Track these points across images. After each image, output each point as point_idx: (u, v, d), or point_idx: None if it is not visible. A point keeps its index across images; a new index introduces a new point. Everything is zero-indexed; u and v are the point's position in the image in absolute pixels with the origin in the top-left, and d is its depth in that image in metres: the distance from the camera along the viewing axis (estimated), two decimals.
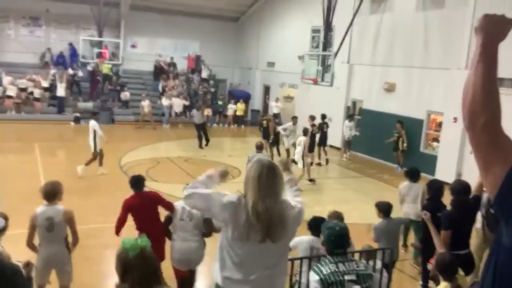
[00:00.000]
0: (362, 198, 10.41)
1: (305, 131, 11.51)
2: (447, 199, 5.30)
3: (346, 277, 3.08)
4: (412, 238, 7.44)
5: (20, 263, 3.45)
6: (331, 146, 15.99)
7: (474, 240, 5.47)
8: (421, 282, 5.75)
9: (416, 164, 8.70)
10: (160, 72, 22.04)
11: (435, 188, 5.74)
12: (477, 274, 5.32)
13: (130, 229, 4.98)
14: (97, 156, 10.95)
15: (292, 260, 4.21)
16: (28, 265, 3.77)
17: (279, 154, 13.50)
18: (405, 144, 13.26)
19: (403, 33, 14.27)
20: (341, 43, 15.27)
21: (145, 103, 18.91)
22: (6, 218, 4.15)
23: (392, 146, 13.58)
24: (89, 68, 20.34)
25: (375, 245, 5.37)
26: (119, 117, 19.42)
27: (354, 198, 10.40)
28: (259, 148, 9.35)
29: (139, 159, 12.87)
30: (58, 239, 4.53)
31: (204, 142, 15.33)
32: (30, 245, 4.53)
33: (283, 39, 20.88)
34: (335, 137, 15.62)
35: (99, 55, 20.51)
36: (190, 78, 22.54)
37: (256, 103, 23.12)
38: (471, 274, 4.95)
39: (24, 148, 13.59)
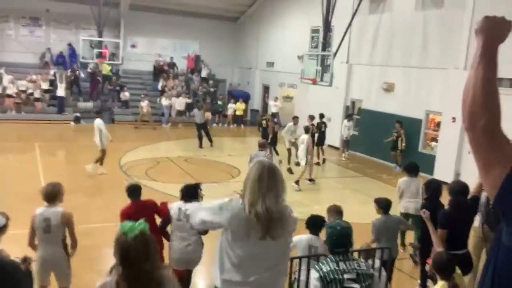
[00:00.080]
0: (361, 197, 10.44)
1: (307, 129, 11.55)
2: (445, 199, 5.33)
3: (346, 276, 3.10)
4: (410, 237, 7.48)
5: (18, 259, 3.49)
6: (330, 146, 16.03)
7: (472, 239, 5.49)
8: (419, 281, 5.78)
9: None
10: (159, 72, 22.06)
11: (433, 187, 5.76)
12: (476, 274, 5.35)
13: None
14: (104, 153, 10.92)
15: (291, 259, 4.24)
16: (25, 260, 3.80)
17: (277, 153, 13.51)
18: (403, 144, 13.30)
19: (402, 33, 14.30)
20: (340, 43, 15.29)
21: (144, 103, 18.94)
22: (7, 218, 4.17)
23: (390, 146, 13.61)
24: (89, 70, 20.35)
25: (373, 244, 5.39)
26: (118, 117, 19.44)
27: (352, 198, 10.42)
28: (262, 146, 9.34)
29: (139, 159, 12.90)
30: (55, 241, 4.52)
31: (204, 142, 15.28)
32: (31, 245, 4.57)
33: (282, 39, 20.90)
34: (334, 137, 15.66)
35: (99, 55, 20.52)
36: (190, 78, 22.56)
37: (256, 103, 23.14)
38: (469, 274, 4.98)
39: (24, 148, 13.61)
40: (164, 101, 19.73)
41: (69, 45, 21.31)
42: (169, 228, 5.14)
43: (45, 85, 19.16)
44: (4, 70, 18.74)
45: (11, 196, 8.16)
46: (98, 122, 10.89)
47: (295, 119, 13.10)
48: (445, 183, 7.07)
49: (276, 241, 2.69)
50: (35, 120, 17.76)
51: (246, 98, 22.19)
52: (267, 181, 2.67)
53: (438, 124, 13.25)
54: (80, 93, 20.13)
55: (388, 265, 4.93)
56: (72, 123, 18.22)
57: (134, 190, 5.19)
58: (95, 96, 20.10)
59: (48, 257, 4.52)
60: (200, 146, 15.13)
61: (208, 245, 5.21)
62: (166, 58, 22.80)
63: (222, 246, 2.76)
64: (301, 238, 4.72)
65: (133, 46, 23.00)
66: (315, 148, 13.60)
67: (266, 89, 22.74)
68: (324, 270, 3.12)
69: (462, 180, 6.49)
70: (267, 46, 22.36)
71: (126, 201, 5.29)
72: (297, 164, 11.97)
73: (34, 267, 4.24)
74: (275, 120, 17.14)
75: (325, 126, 14.60)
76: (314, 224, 4.79)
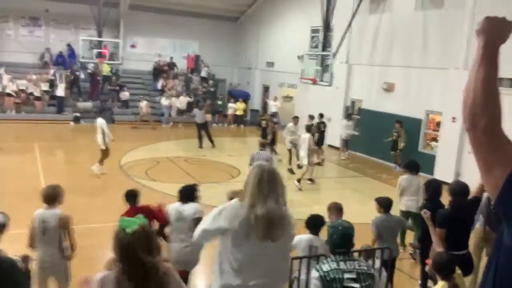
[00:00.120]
0: (361, 197, 10.44)
1: (308, 128, 11.55)
2: (446, 199, 5.32)
3: (346, 275, 3.10)
4: (409, 237, 7.47)
5: (17, 257, 3.49)
6: (330, 146, 16.03)
7: (472, 240, 5.48)
8: (419, 282, 5.78)
9: None
10: (159, 73, 22.04)
11: (433, 187, 5.75)
12: (476, 274, 5.34)
13: None
14: (108, 152, 10.92)
15: (291, 259, 4.23)
16: (25, 258, 3.80)
17: (276, 153, 13.51)
18: (402, 144, 13.29)
19: (402, 33, 14.29)
20: (340, 43, 15.29)
21: (143, 104, 18.94)
22: (7, 219, 4.17)
23: (390, 146, 13.60)
24: (89, 70, 20.35)
25: (373, 244, 5.39)
26: (118, 117, 19.43)
27: (353, 198, 10.41)
28: (264, 146, 9.32)
29: (138, 159, 12.89)
30: (52, 243, 4.49)
31: (204, 142, 15.23)
32: (31, 246, 4.56)
33: (282, 39, 20.90)
34: (334, 137, 15.65)
35: (99, 55, 20.51)
36: (190, 77, 22.56)
37: (256, 103, 23.14)
38: (470, 274, 4.97)
39: (24, 148, 13.60)
40: (164, 101, 19.72)
41: (68, 45, 21.29)
42: (168, 229, 5.14)
43: (44, 86, 19.15)
44: (4, 70, 18.73)
45: (11, 196, 8.15)
46: (100, 121, 10.88)
47: (295, 119, 13.00)
48: (445, 183, 7.07)
49: (276, 243, 2.67)
50: (34, 120, 17.75)
51: (246, 98, 22.19)
52: (267, 184, 2.67)
53: (438, 124, 13.24)
54: (79, 93, 20.12)
55: (389, 264, 4.93)
56: (72, 123, 18.23)
57: (131, 196, 5.15)
58: (95, 96, 20.08)
59: (45, 259, 4.50)
60: (200, 146, 15.11)
61: (207, 245, 5.22)
62: (166, 58, 22.80)
63: (222, 251, 2.73)
64: (300, 238, 4.71)
65: (132, 46, 22.99)
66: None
67: (266, 89, 22.74)
68: (324, 269, 3.12)
69: (462, 180, 6.50)
70: (267, 46, 22.35)
71: (125, 201, 5.29)
72: (299, 167, 12.00)
73: (34, 267, 4.24)
74: (275, 120, 17.14)
75: (325, 126, 14.59)
76: (314, 224, 4.79)
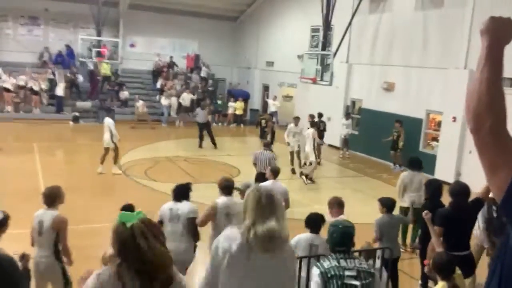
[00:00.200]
0: (361, 197, 10.43)
1: (312, 123, 11.61)
2: (446, 200, 5.30)
3: (347, 273, 3.13)
4: (409, 237, 7.46)
5: (16, 255, 3.47)
6: (330, 146, 16.02)
7: (473, 241, 5.46)
8: (420, 282, 5.76)
9: None
10: (158, 74, 22.00)
11: (434, 187, 5.74)
12: (475, 274, 5.32)
13: None
14: (118, 152, 10.98)
15: None
16: (24, 256, 3.77)
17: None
18: (401, 143, 13.27)
19: (402, 32, 14.28)
20: (340, 43, 15.27)
21: (139, 103, 18.91)
22: (7, 217, 4.15)
23: (390, 145, 13.58)
24: (88, 67, 20.31)
25: (374, 244, 5.37)
26: (118, 116, 19.31)
27: (353, 197, 10.38)
28: (267, 146, 9.31)
29: (138, 159, 12.86)
30: (47, 245, 4.45)
31: (205, 142, 15.16)
32: (32, 245, 4.55)
33: (282, 38, 20.87)
34: (334, 136, 15.63)
35: (98, 54, 20.48)
36: (189, 77, 22.53)
37: (255, 102, 23.12)
38: (471, 275, 4.95)
39: (23, 147, 13.58)
40: (164, 101, 19.70)
41: (67, 46, 21.25)
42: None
43: (44, 85, 19.11)
44: (2, 70, 18.70)
45: (11, 196, 8.12)
46: (108, 121, 10.92)
47: (296, 119, 12.65)
48: (446, 183, 7.05)
49: (277, 260, 2.63)
50: (33, 120, 17.72)
51: (245, 97, 22.17)
52: (266, 207, 2.65)
53: (438, 124, 13.23)
54: (79, 93, 20.08)
55: (390, 265, 4.91)
56: (71, 122, 18.20)
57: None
58: (94, 95, 20.05)
59: (40, 260, 4.47)
60: (200, 146, 15.05)
61: (205, 245, 5.21)
62: (166, 58, 22.78)
63: (223, 282, 2.67)
64: (300, 237, 4.71)
65: (132, 45, 22.96)
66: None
67: (266, 88, 22.72)
68: (325, 266, 3.16)
69: (463, 180, 6.50)
70: (266, 46, 22.33)
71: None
72: (304, 165, 12.03)
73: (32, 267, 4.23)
74: (274, 120, 17.13)
75: (324, 125, 14.57)
76: (314, 222, 4.77)
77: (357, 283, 3.12)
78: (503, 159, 1.28)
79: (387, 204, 5.62)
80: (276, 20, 21.55)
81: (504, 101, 1.31)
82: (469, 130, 1.36)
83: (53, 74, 19.27)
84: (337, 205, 5.09)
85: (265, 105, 21.39)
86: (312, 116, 13.12)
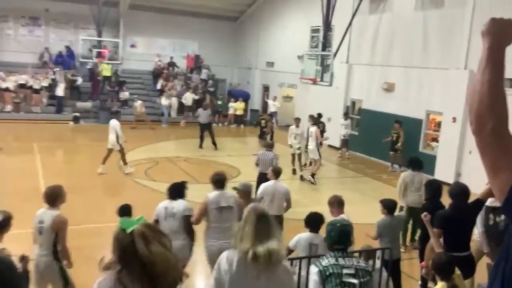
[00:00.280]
0: (361, 198, 10.43)
1: (315, 121, 11.66)
2: (446, 200, 5.30)
3: (345, 271, 3.14)
4: (409, 237, 7.46)
5: (15, 257, 3.47)
6: (330, 146, 16.01)
7: (473, 242, 5.45)
8: (420, 282, 5.76)
9: None
10: (158, 75, 21.98)
11: (434, 188, 5.74)
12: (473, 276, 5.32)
13: None
14: (123, 152, 11.05)
15: (292, 260, 4.22)
16: (23, 258, 3.77)
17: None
18: (399, 144, 13.24)
19: (402, 33, 14.28)
20: (340, 43, 15.26)
21: (138, 103, 18.91)
22: (10, 217, 4.15)
23: (389, 146, 13.55)
24: (89, 66, 20.32)
25: (374, 245, 5.37)
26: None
27: (353, 198, 10.35)
28: (270, 146, 9.33)
29: (138, 159, 12.85)
30: (46, 245, 4.45)
31: (205, 142, 15.14)
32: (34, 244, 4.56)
33: (282, 38, 20.88)
34: (334, 137, 15.62)
35: (99, 55, 20.48)
36: (189, 77, 22.53)
37: (256, 102, 23.12)
38: (471, 276, 4.94)
39: (23, 148, 13.58)
40: (164, 101, 19.70)
41: (67, 47, 21.25)
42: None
43: (44, 83, 19.13)
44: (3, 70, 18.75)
45: (11, 196, 8.12)
46: (114, 123, 10.97)
47: (297, 120, 12.49)
48: (446, 183, 7.05)
49: (275, 279, 2.66)
50: (34, 120, 17.73)
51: (246, 98, 22.17)
52: (262, 227, 2.70)
53: (438, 124, 13.22)
54: (79, 94, 20.07)
55: (390, 265, 4.92)
56: (71, 122, 18.21)
57: (124, 210, 5.07)
58: (95, 96, 20.06)
59: (39, 259, 4.47)
60: (200, 146, 15.03)
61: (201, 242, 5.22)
62: (166, 58, 22.77)
63: None
64: (300, 236, 4.72)
65: (132, 46, 22.97)
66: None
67: (266, 89, 22.73)
68: (324, 264, 3.17)
69: (463, 180, 6.50)
70: (267, 46, 22.34)
71: (126, 201, 5.26)
72: (304, 165, 12.06)
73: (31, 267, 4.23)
74: (273, 120, 17.13)
75: (323, 126, 14.57)
76: (314, 222, 4.79)
77: (355, 281, 3.14)
78: (505, 161, 1.28)
79: (388, 206, 5.63)
80: (276, 20, 21.55)
81: (505, 103, 1.32)
82: (471, 131, 1.37)
83: (53, 72, 19.28)
84: (337, 204, 5.10)
85: (265, 105, 21.38)
86: (312, 117, 13.11)
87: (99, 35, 20.77)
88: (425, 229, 5.03)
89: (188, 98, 20.09)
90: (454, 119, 12.09)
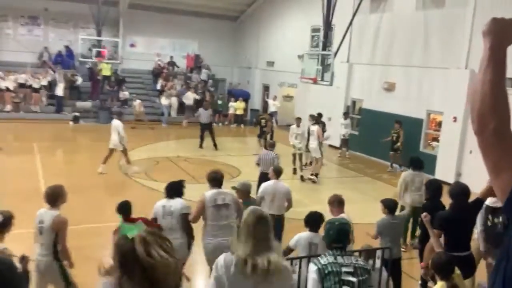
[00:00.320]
0: (361, 197, 10.42)
1: (317, 120, 11.70)
2: (446, 200, 5.29)
3: (344, 269, 3.15)
4: (409, 237, 7.44)
5: (16, 257, 3.47)
6: (330, 146, 16.00)
7: (473, 242, 5.44)
8: (420, 282, 5.75)
9: None
10: (158, 74, 21.97)
11: (434, 188, 5.73)
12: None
13: None
14: (126, 152, 11.07)
15: (291, 259, 4.21)
16: (23, 258, 3.77)
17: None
18: (398, 144, 13.21)
19: (402, 32, 14.26)
20: (341, 43, 15.24)
21: (136, 103, 18.90)
22: (11, 217, 4.15)
23: (390, 146, 13.53)
24: (88, 66, 20.31)
25: (375, 244, 5.37)
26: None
27: (353, 198, 10.35)
28: (272, 146, 9.33)
29: (138, 159, 12.84)
30: (47, 245, 4.45)
31: (205, 142, 15.12)
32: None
33: (282, 38, 20.86)
34: (334, 137, 15.59)
35: (98, 54, 20.47)
36: (189, 77, 22.52)
37: (256, 102, 23.11)
38: (471, 276, 4.94)
39: (23, 147, 13.57)
40: (164, 101, 19.68)
41: (66, 47, 21.23)
42: None
43: (44, 81, 19.13)
44: (3, 70, 18.74)
45: (11, 195, 8.11)
46: (116, 123, 10.99)
47: (298, 120, 12.42)
48: (447, 183, 7.04)
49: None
50: (33, 120, 17.72)
51: (246, 97, 22.17)
52: (260, 231, 2.68)
53: (439, 124, 13.21)
54: (79, 93, 20.06)
55: (390, 264, 4.92)
56: (71, 122, 18.20)
57: (123, 206, 5.05)
58: (94, 96, 20.04)
59: (40, 258, 4.47)
60: (201, 146, 15.01)
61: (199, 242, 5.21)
62: (166, 58, 22.76)
63: None
64: (300, 236, 4.74)
65: (132, 45, 22.95)
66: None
67: (266, 88, 22.72)
68: (323, 262, 3.18)
69: (463, 180, 6.49)
70: (267, 45, 22.32)
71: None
72: (305, 164, 12.07)
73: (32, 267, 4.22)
74: (273, 120, 17.11)
75: (323, 126, 14.54)
76: (313, 221, 4.79)
77: (353, 279, 3.15)
78: (507, 161, 1.28)
79: (389, 206, 5.63)
80: (276, 20, 21.53)
81: (507, 103, 1.31)
82: (473, 131, 1.36)
83: (53, 71, 19.27)
84: (337, 203, 5.11)
85: (265, 105, 21.37)
86: (313, 117, 13.10)
87: (99, 35, 20.76)
88: (425, 229, 5.02)
89: (190, 97, 20.07)
90: (455, 119, 12.08)
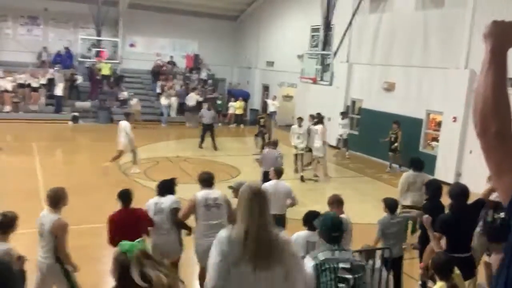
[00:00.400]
0: (361, 197, 10.42)
1: (320, 120, 11.76)
2: (446, 201, 5.28)
3: (341, 265, 3.15)
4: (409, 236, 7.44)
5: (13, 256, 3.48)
6: (330, 146, 15.98)
7: (473, 242, 5.44)
8: (419, 282, 5.75)
9: None
10: (157, 74, 21.95)
11: (434, 188, 5.73)
12: (476, 274, 5.31)
13: None
14: (121, 154, 11.13)
15: None
16: (19, 258, 3.77)
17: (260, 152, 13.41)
18: (396, 144, 13.19)
19: (402, 32, 14.26)
20: (341, 42, 15.26)
21: (133, 101, 18.88)
22: (16, 217, 4.15)
23: (388, 146, 13.52)
24: (87, 65, 20.30)
25: (379, 244, 5.38)
26: (117, 116, 19.36)
27: (353, 198, 10.37)
28: (274, 145, 9.32)
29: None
30: (48, 247, 4.44)
31: (205, 143, 15.10)
32: None
33: (282, 38, 20.86)
34: (334, 137, 15.61)
35: (98, 54, 20.46)
36: (189, 77, 22.50)
37: (256, 102, 23.11)
38: (472, 277, 4.93)
39: (22, 147, 13.57)
40: (163, 101, 19.67)
41: (66, 48, 21.22)
42: None
43: (43, 80, 19.12)
44: (1, 70, 18.72)
45: (11, 195, 8.10)
46: (124, 124, 11.06)
47: (299, 120, 12.36)
48: (446, 183, 7.04)
49: (272, 272, 2.59)
50: (32, 120, 17.70)
51: (246, 97, 22.16)
52: (256, 206, 2.63)
53: (439, 124, 13.21)
54: (78, 93, 20.05)
55: (390, 263, 4.92)
56: (70, 122, 18.18)
57: (125, 196, 5.06)
58: (94, 96, 20.03)
59: (42, 260, 4.46)
60: (200, 146, 15.01)
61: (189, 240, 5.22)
62: (166, 58, 22.74)
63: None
64: (298, 235, 4.76)
65: (131, 45, 22.94)
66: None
67: (266, 88, 22.72)
68: (320, 258, 3.17)
69: (463, 180, 6.49)
70: (267, 45, 22.32)
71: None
72: (307, 164, 12.09)
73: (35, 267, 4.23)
74: (271, 119, 17.11)
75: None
76: (312, 220, 4.79)
77: (349, 276, 3.15)
78: (509, 163, 1.29)
79: (390, 204, 5.64)
80: (276, 20, 21.53)
81: (509, 105, 1.32)
82: (475, 133, 1.37)
83: (54, 71, 19.26)
84: (336, 202, 5.11)
85: (264, 105, 21.37)
86: (313, 117, 13.11)
87: (98, 35, 20.74)
88: (425, 229, 5.02)
89: (192, 99, 20.05)
90: (455, 119, 12.08)
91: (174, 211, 5.14)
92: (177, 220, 5.16)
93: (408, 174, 7.34)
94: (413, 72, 13.81)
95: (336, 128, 15.41)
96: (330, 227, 3.30)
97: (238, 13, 24.32)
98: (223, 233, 2.66)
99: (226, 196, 5.26)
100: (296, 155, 12.18)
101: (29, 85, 18.62)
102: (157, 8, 22.20)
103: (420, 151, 13.48)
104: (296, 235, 4.73)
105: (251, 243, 2.54)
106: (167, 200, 5.19)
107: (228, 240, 2.59)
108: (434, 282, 3.98)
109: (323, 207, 5.39)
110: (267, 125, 15.40)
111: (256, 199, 2.65)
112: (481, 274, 5.57)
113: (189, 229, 5.32)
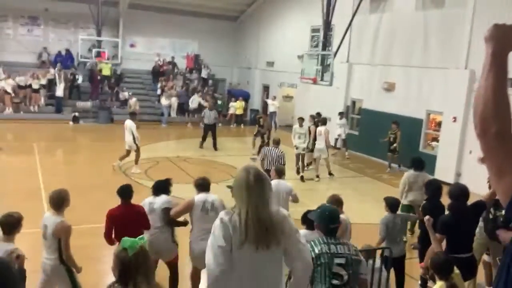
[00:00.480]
0: (361, 197, 10.43)
1: (324, 121, 11.80)
2: (446, 201, 5.28)
3: (336, 260, 3.16)
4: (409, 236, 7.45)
5: (27, 258, 3.50)
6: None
7: (475, 241, 5.44)
8: (419, 282, 5.76)
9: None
10: (158, 74, 21.94)
11: (434, 188, 5.73)
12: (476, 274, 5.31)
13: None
14: (139, 152, 11.28)
15: None
16: (18, 257, 3.78)
17: (258, 153, 13.40)
18: (395, 145, 13.18)
19: (402, 32, 14.27)
20: (341, 43, 15.26)
21: (132, 101, 18.88)
22: (21, 218, 4.16)
23: (387, 146, 13.51)
24: (88, 66, 20.31)
25: (375, 244, 5.38)
26: (117, 116, 19.38)
27: (353, 198, 10.38)
28: (276, 143, 9.32)
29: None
30: (51, 249, 4.44)
31: (206, 143, 15.11)
32: None
33: (282, 38, 20.86)
34: (334, 137, 15.61)
35: (98, 55, 20.47)
36: (189, 77, 22.51)
37: (256, 102, 23.11)
38: (473, 277, 4.93)
39: (23, 147, 13.58)
40: (164, 101, 19.68)
41: (67, 50, 21.21)
42: None
43: (44, 81, 19.13)
44: (2, 69, 18.72)
45: (11, 195, 8.10)
46: (129, 123, 11.15)
47: (300, 120, 12.33)
48: (446, 183, 7.04)
49: (271, 251, 2.59)
50: (33, 120, 17.71)
51: (246, 97, 22.17)
52: (255, 188, 2.62)
53: (439, 124, 13.21)
54: (79, 93, 20.07)
55: (390, 262, 4.93)
56: (71, 122, 18.20)
57: (124, 191, 5.08)
58: (94, 96, 20.05)
59: (46, 261, 4.47)
60: (201, 146, 15.02)
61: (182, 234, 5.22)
62: (166, 58, 22.74)
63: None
64: None
65: (132, 45, 22.95)
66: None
67: (266, 88, 22.72)
68: (316, 251, 3.18)
69: (463, 180, 6.49)
70: (267, 46, 22.32)
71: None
72: (308, 164, 12.11)
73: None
74: (271, 119, 17.11)
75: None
76: (310, 219, 4.79)
77: (343, 272, 3.15)
78: (509, 164, 1.30)
79: (391, 204, 5.65)
80: (276, 20, 21.54)
81: (509, 107, 1.34)
82: (476, 135, 1.38)
83: (55, 68, 19.29)
84: (336, 202, 5.11)
85: (264, 105, 21.38)
86: (313, 117, 13.12)
87: (99, 35, 20.77)
88: (425, 228, 5.02)
89: (195, 101, 20.04)
90: (455, 119, 12.08)
91: (166, 210, 5.18)
92: (169, 219, 5.19)
93: (409, 173, 7.35)
94: (413, 72, 13.82)
95: (336, 128, 15.41)
96: (328, 220, 3.30)
97: (238, 13, 24.33)
98: (225, 217, 2.63)
99: (222, 200, 5.27)
100: (297, 155, 12.19)
101: (29, 86, 18.63)
102: (157, 8, 22.21)
103: (420, 151, 13.48)
104: None
105: (253, 223, 2.54)
106: (159, 200, 5.25)
107: (232, 224, 2.58)
108: (434, 282, 3.98)
109: None
110: (266, 125, 15.41)
111: (254, 180, 2.63)
112: (481, 274, 5.57)
113: (183, 224, 5.35)
